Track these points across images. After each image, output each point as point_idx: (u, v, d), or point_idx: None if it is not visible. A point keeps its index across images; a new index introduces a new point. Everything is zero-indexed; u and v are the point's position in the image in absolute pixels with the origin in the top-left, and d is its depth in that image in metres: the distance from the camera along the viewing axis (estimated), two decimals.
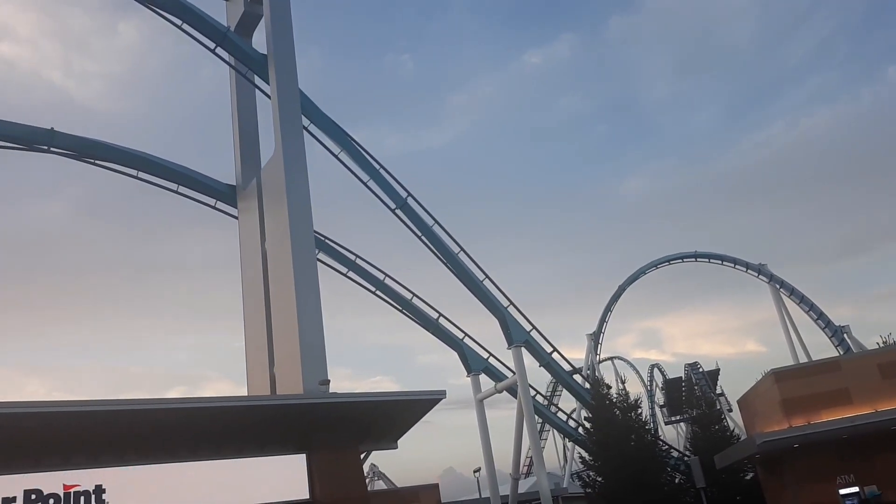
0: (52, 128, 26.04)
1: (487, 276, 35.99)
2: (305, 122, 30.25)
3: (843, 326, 51.28)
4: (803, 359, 51.87)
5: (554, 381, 52.41)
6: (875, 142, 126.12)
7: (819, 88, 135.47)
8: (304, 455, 19.80)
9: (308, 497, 19.53)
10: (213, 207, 29.34)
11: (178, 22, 27.01)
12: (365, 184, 32.59)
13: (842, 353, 47.47)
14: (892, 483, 17.38)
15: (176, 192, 28.70)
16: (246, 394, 25.15)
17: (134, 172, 27.84)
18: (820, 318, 52.03)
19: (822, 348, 56.39)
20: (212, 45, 27.70)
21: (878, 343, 41.81)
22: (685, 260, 56.35)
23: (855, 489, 21.90)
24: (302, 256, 23.04)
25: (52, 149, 26.32)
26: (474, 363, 38.50)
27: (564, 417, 42.82)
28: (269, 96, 26.94)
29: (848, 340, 50.31)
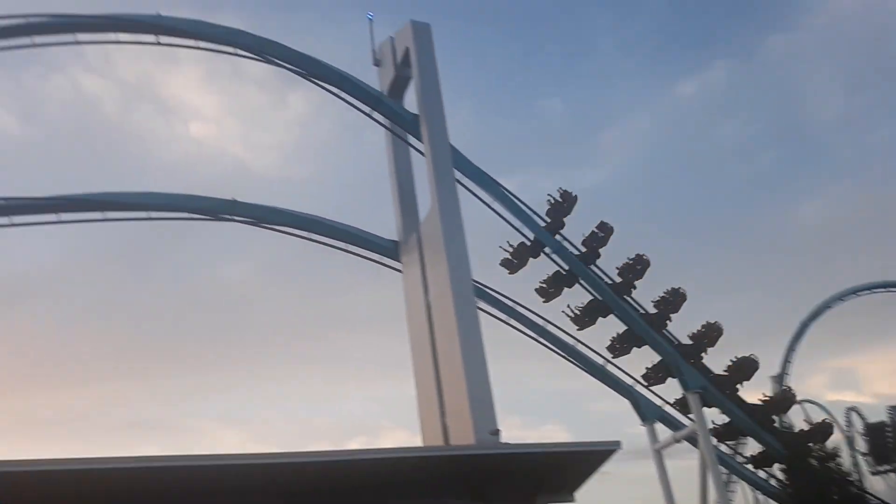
0: (234, 198, 28.40)
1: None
2: (459, 175, 30.77)
3: None
4: None
5: None
6: None
7: None
8: None
9: None
10: (379, 263, 30.16)
11: (337, 91, 28.75)
12: (518, 231, 32.51)
13: None
14: None
15: (345, 250, 29.83)
16: (420, 444, 25.26)
17: (307, 235, 29.45)
18: None
19: None
20: (368, 109, 29.18)
21: None
22: (875, 291, 51.74)
23: None
24: (463, 306, 23.13)
25: (234, 217, 28.70)
26: (648, 411, 36.52)
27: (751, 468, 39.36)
28: (423, 154, 27.76)
29: None
